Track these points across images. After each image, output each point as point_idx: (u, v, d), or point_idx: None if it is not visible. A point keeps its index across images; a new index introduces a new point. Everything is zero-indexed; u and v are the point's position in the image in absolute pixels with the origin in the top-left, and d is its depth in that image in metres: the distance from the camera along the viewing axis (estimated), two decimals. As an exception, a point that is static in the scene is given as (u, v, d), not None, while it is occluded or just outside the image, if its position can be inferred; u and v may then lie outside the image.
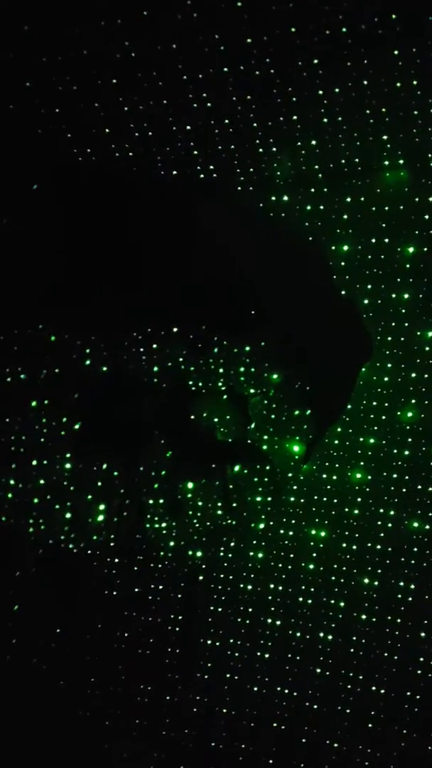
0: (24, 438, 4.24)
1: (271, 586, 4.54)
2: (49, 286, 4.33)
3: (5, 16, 3.68)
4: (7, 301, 4.33)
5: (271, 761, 4.41)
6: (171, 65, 3.76)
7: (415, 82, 3.76)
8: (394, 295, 4.37)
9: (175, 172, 4.35)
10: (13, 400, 4.27)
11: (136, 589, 4.69)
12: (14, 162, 4.32)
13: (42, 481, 4.25)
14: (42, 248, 4.34)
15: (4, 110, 4.08)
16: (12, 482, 4.22)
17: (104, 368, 4.35)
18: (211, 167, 4.34)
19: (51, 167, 4.34)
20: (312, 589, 4.46)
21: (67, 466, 4.26)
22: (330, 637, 4.40)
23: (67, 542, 4.41)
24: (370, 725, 4.27)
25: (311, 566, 4.48)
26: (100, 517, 4.38)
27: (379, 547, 4.34)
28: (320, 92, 3.87)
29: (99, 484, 4.31)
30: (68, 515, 4.31)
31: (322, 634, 4.41)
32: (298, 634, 4.46)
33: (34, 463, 4.24)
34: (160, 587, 4.68)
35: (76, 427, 4.29)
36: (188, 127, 4.10)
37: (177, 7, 3.53)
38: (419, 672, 4.18)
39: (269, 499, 4.46)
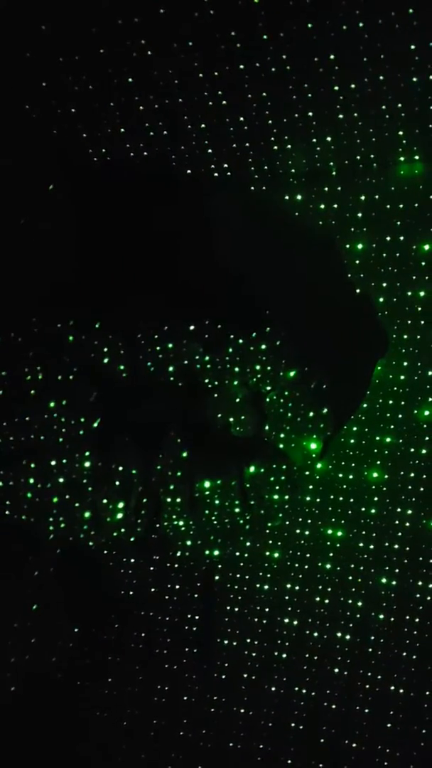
0: (43, 438, 4.25)
1: (288, 585, 4.53)
2: (65, 286, 4.33)
3: (23, 17, 3.67)
4: (26, 302, 4.33)
5: (289, 761, 4.40)
6: (187, 63, 3.74)
7: (431, 77, 3.72)
8: (409, 293, 4.34)
9: (189, 171, 4.33)
10: (32, 400, 4.27)
11: (153, 589, 4.69)
12: (30, 162, 4.31)
13: (61, 480, 4.26)
14: (59, 249, 4.33)
15: (20, 110, 4.08)
16: (32, 481, 4.23)
17: (121, 367, 4.35)
18: (226, 165, 4.32)
19: (66, 166, 4.33)
20: (329, 589, 4.45)
21: (86, 464, 4.27)
22: (348, 637, 4.38)
23: (86, 540, 4.41)
24: (388, 725, 4.25)
25: (328, 566, 4.46)
26: (119, 516, 4.38)
27: (396, 546, 4.32)
28: (336, 88, 3.84)
29: (117, 482, 4.31)
30: (87, 514, 4.31)
31: (339, 634, 4.40)
32: (316, 634, 4.44)
33: (54, 462, 4.25)
34: (177, 586, 4.67)
35: (95, 425, 4.29)
36: (203, 125, 4.08)
37: (193, 5, 3.51)
38: (438, 671, 4.18)
39: (286, 497, 4.44)
